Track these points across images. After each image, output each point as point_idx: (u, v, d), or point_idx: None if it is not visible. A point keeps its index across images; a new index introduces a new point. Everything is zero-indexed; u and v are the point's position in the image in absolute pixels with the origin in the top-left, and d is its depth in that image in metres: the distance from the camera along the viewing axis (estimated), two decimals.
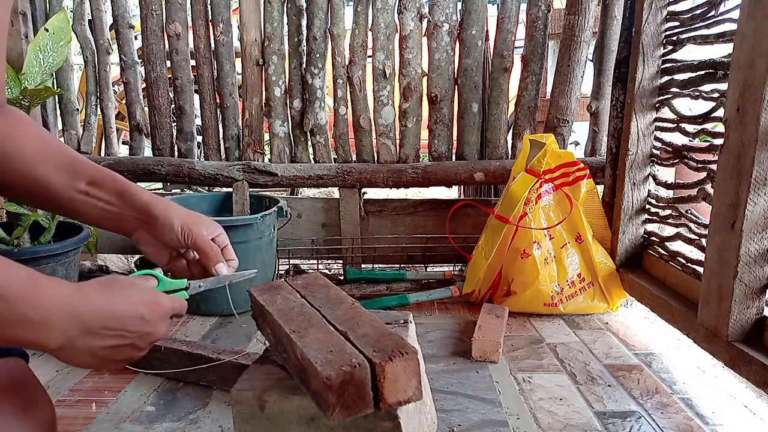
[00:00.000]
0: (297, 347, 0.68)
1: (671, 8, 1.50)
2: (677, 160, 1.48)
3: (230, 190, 1.99)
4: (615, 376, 1.31)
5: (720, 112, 1.26)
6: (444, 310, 1.75)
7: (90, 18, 2.07)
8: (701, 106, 1.38)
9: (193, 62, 2.05)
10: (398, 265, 2.05)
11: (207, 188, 2.44)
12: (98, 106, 2.13)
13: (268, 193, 2.04)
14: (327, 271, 2.14)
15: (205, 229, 0.73)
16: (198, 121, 2.11)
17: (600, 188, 1.80)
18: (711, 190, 1.27)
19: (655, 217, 1.61)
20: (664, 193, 1.62)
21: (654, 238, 1.61)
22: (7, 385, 0.59)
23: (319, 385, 0.62)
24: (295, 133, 2.04)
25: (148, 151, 2.17)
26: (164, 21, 2.00)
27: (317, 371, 0.61)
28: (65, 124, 2.15)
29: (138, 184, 0.79)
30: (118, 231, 0.75)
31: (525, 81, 1.94)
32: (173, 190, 2.69)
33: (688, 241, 1.42)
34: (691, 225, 1.42)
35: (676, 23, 1.48)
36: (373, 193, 2.11)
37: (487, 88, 1.98)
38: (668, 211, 1.55)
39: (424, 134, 1.97)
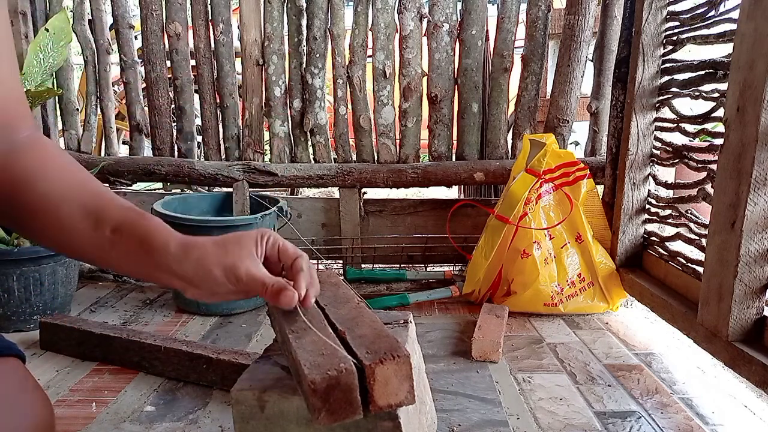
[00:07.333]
0: (292, 348, 0.68)
1: (671, 8, 1.50)
2: (677, 160, 1.48)
3: (230, 190, 1.99)
4: (615, 376, 1.31)
5: (720, 112, 1.25)
6: (444, 310, 1.75)
7: (90, 18, 2.07)
8: (701, 106, 1.37)
9: (193, 62, 2.05)
10: (398, 265, 2.05)
11: (207, 188, 2.44)
12: (98, 106, 2.13)
13: (268, 193, 2.04)
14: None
15: (249, 261, 0.64)
16: (198, 121, 2.11)
17: (600, 188, 1.80)
18: (711, 190, 1.27)
19: (655, 217, 1.61)
20: (664, 193, 1.62)
21: (654, 238, 1.61)
22: (3, 386, 0.58)
23: (306, 389, 0.62)
24: (295, 133, 2.04)
25: (148, 151, 2.17)
26: (164, 21, 1.99)
27: (305, 374, 0.61)
28: (65, 124, 2.16)
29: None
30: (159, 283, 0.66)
31: (525, 81, 1.94)
32: (173, 190, 2.68)
33: (688, 241, 1.41)
34: (691, 225, 1.42)
35: (676, 23, 1.48)
36: (373, 193, 2.11)
37: (487, 88, 1.98)
38: (668, 211, 1.55)
39: (424, 134, 1.97)
